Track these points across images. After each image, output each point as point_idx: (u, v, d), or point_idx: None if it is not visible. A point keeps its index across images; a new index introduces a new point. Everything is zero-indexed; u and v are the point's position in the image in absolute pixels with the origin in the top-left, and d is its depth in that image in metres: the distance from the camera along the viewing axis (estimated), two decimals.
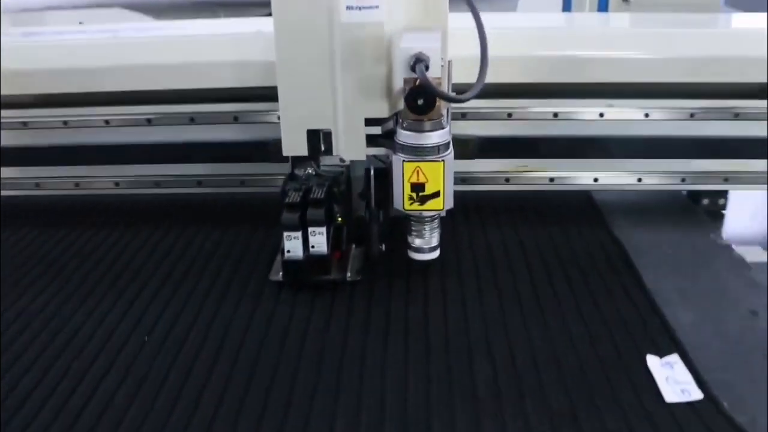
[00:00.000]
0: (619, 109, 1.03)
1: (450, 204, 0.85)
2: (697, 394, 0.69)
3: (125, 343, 0.81)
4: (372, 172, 0.89)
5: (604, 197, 1.12)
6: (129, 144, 1.10)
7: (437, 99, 0.79)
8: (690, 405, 0.68)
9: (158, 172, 1.12)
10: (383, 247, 0.93)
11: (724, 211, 1.12)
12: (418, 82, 0.77)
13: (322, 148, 0.86)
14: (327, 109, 0.85)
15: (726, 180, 1.06)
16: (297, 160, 0.92)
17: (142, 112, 1.07)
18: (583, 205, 1.12)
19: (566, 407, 0.69)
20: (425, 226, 0.88)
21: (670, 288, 0.90)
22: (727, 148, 1.04)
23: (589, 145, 1.04)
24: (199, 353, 0.79)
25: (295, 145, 0.87)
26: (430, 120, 0.81)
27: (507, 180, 1.08)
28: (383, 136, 0.86)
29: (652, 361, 0.75)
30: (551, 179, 1.07)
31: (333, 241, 0.89)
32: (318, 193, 0.87)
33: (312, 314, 0.86)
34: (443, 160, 0.82)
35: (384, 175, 0.88)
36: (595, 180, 1.07)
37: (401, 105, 0.81)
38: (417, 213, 0.86)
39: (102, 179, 1.13)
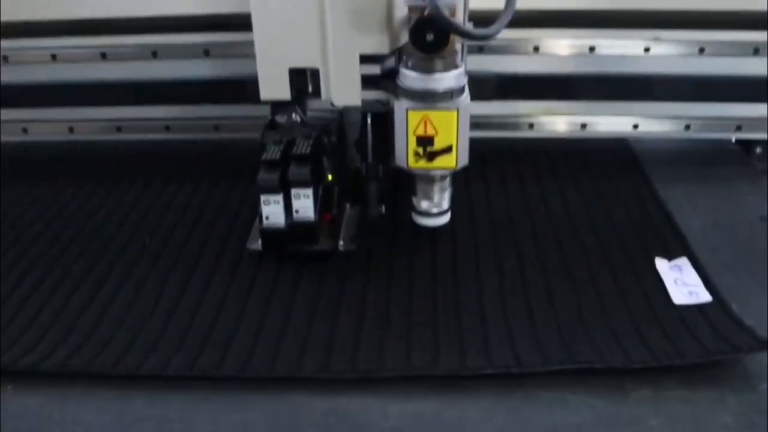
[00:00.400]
0: (668, 44, 0.93)
1: (465, 161, 0.75)
2: (705, 297, 0.71)
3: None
4: (369, 118, 0.77)
5: (644, 147, 1.02)
6: (81, 82, 0.99)
7: (451, 34, 0.68)
8: (698, 307, 0.70)
9: (119, 116, 1.02)
10: (383, 208, 0.83)
11: None
12: (427, 11, 0.66)
13: (309, 90, 0.75)
14: (313, 42, 0.73)
15: None
16: (278, 106, 0.80)
17: (94, 44, 0.97)
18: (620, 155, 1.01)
19: (574, 310, 0.70)
20: (434, 186, 0.78)
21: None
22: None
23: (630, 85, 0.95)
24: (162, 335, 0.69)
25: (275, 87, 0.75)
26: (441, 59, 0.70)
27: (531, 126, 0.99)
28: (382, 77, 0.75)
29: (661, 264, 0.76)
30: (583, 125, 0.98)
31: (322, 203, 0.78)
32: (303, 147, 0.76)
33: (296, 292, 0.75)
34: (457, 109, 0.71)
35: (384, 121, 0.76)
36: (635, 127, 0.98)
37: (405, 39, 0.70)
38: (424, 172, 0.76)
39: (52, 123, 1.03)
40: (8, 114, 1.01)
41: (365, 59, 0.73)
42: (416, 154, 0.73)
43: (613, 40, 0.93)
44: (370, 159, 0.80)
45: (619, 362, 0.63)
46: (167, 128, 1.02)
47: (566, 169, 0.96)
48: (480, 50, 0.93)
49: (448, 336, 0.68)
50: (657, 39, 0.92)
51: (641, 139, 1.02)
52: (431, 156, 0.73)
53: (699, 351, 0.64)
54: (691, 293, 0.71)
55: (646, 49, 0.93)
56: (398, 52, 0.74)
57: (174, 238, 0.84)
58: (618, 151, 1.01)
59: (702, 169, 0.98)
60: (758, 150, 1.01)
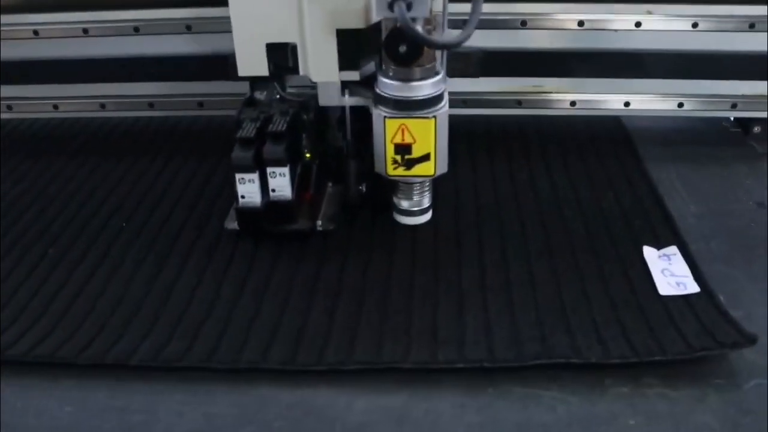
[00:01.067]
0: (661, 18, 0.89)
1: (444, 168, 0.75)
2: (693, 288, 0.68)
3: None
4: (347, 95, 0.76)
5: (637, 125, 1.00)
6: (64, 59, 0.96)
7: None
8: (685, 298, 0.67)
9: (101, 93, 0.99)
10: (363, 188, 0.81)
11: None
12: (398, 23, 0.65)
13: (290, 65, 0.73)
14: (290, 16, 0.71)
15: None
16: (257, 82, 0.78)
17: (76, 20, 0.94)
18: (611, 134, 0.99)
19: (556, 300, 0.68)
20: (414, 187, 0.78)
21: None
22: None
23: (621, 61, 0.91)
24: (131, 321, 0.68)
25: (252, 63, 0.74)
26: (419, 67, 0.70)
27: (519, 103, 0.95)
28: (361, 84, 0.74)
29: (649, 252, 0.74)
30: (573, 103, 0.95)
31: (300, 182, 0.76)
32: (279, 124, 0.73)
33: (272, 273, 0.73)
34: (435, 117, 0.71)
35: None
36: (627, 104, 0.95)
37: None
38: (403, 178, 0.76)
39: (36, 102, 1.00)
40: None
41: (343, 34, 0.71)
42: (394, 161, 0.73)
43: (602, 14, 0.90)
44: (348, 137, 0.78)
45: (596, 357, 0.61)
46: (151, 105, 0.99)
47: (555, 150, 0.94)
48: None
49: (422, 326, 0.65)
50: (649, 13, 0.89)
51: (634, 117, 0.99)
52: (409, 164, 0.73)
53: (682, 346, 0.61)
54: (678, 284, 0.69)
55: (638, 24, 0.89)
56: (378, 59, 0.73)
57: (154, 218, 0.83)
58: (609, 130, 0.99)
59: (698, 149, 0.95)
60: (757, 129, 0.97)
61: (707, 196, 0.84)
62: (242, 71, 0.74)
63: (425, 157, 0.72)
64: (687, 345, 0.61)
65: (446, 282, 0.71)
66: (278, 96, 0.78)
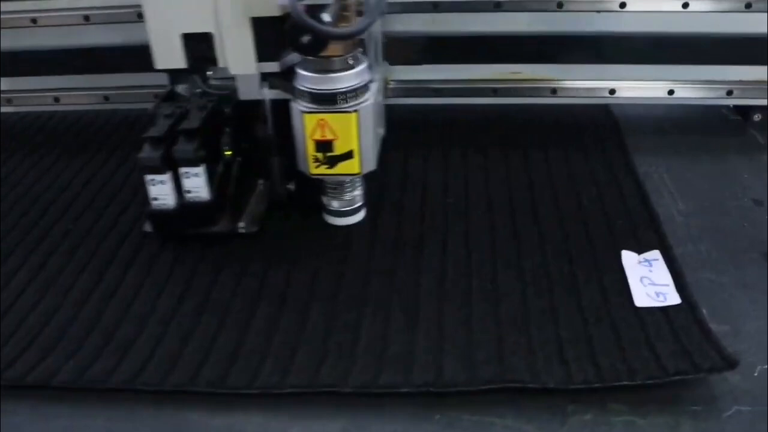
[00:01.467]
0: None
1: (371, 166, 0.72)
2: (674, 299, 0.64)
3: None
4: (266, 88, 0.73)
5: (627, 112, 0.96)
6: (14, 50, 0.94)
7: None
8: (663, 311, 0.63)
9: (56, 85, 0.97)
10: (292, 186, 0.77)
11: None
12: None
13: (209, 56, 0.70)
14: (205, 3, 0.68)
15: None
16: (177, 75, 0.75)
17: (25, 8, 0.91)
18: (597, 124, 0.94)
19: (519, 314, 0.63)
20: (344, 186, 0.74)
21: None
22: None
23: (605, 45, 0.89)
24: (49, 322, 0.65)
25: (169, 55, 0.70)
26: (338, 58, 0.66)
27: (495, 91, 0.92)
28: (280, 76, 0.71)
29: (628, 258, 0.69)
30: (553, 90, 0.91)
31: (220, 181, 0.72)
32: (193, 121, 0.70)
33: (193, 277, 0.70)
34: (356, 111, 0.67)
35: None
36: (612, 92, 0.91)
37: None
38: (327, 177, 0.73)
39: None
40: None
41: (260, 23, 0.68)
42: (316, 159, 0.69)
43: None
44: (270, 132, 0.74)
45: (555, 382, 0.55)
46: (106, 98, 0.97)
47: (535, 141, 0.89)
48: (435, 7, 0.86)
49: (368, 342, 0.60)
50: None
51: (624, 105, 0.96)
52: (332, 161, 0.69)
53: (654, 369, 0.56)
54: (657, 294, 0.64)
55: (622, 5, 0.85)
56: None
57: (84, 219, 0.79)
58: (595, 120, 0.95)
59: (692, 139, 0.91)
60: (757, 117, 0.93)
61: (698, 192, 0.79)
62: (159, 64, 0.71)
63: (348, 155, 0.69)
64: (660, 367, 0.56)
65: (401, 286, 0.67)
66: (199, 90, 0.75)
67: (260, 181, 0.79)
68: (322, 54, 0.66)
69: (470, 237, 0.73)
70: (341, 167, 0.69)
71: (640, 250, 0.69)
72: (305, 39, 0.63)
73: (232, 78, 0.73)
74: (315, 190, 0.76)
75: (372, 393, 0.57)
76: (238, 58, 0.69)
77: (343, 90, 0.66)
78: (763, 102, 0.90)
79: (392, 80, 0.91)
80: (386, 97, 0.88)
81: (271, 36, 0.68)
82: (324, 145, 0.68)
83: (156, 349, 0.61)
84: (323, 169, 0.70)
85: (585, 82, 0.91)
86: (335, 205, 0.75)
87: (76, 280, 0.70)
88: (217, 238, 0.73)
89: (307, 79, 0.67)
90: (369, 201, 0.77)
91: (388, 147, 0.81)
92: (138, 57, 0.80)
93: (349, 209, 0.75)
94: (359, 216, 0.76)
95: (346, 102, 0.67)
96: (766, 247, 0.70)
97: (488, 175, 0.83)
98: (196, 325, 0.64)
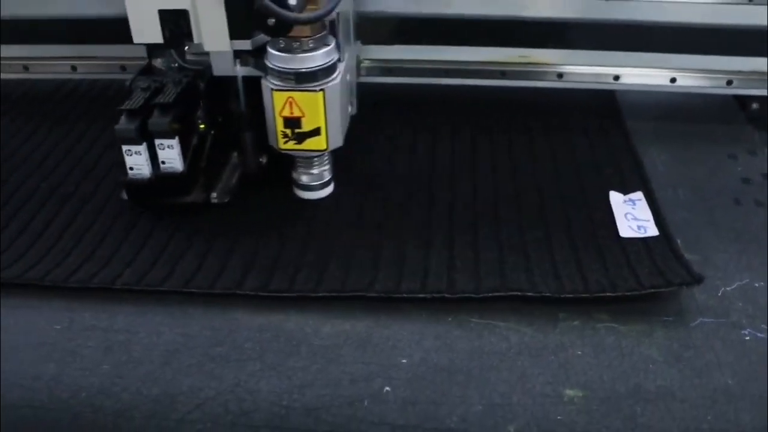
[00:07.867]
0: None
1: (338, 142, 0.73)
2: (653, 231, 0.71)
3: None
4: (238, 64, 0.73)
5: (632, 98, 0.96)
6: None
7: None
8: (643, 240, 0.69)
9: (25, 54, 0.95)
10: (264, 160, 0.78)
11: None
12: None
13: (185, 32, 0.70)
14: None
15: None
16: (155, 49, 0.74)
17: None
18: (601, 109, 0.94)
19: (517, 240, 0.70)
20: (313, 161, 0.75)
21: None
22: None
23: (611, 31, 0.87)
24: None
25: (146, 29, 0.70)
26: (306, 37, 0.67)
27: (503, 74, 0.90)
28: (252, 54, 0.71)
29: (615, 197, 0.76)
30: (559, 75, 0.90)
31: (194, 153, 0.73)
32: (168, 95, 0.70)
33: (169, 243, 0.72)
34: (323, 90, 0.68)
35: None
36: (616, 78, 0.90)
37: None
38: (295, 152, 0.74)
39: None
40: None
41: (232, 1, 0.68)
42: (284, 135, 0.70)
43: None
44: (242, 107, 0.75)
45: (550, 291, 0.63)
46: (74, 68, 0.95)
47: (539, 123, 0.91)
48: None
49: (389, 260, 0.67)
50: None
51: (624, 92, 0.95)
52: (300, 137, 0.70)
53: (632, 284, 0.63)
54: (639, 227, 0.71)
55: None
56: None
57: (65, 185, 0.81)
58: (599, 105, 0.94)
59: (689, 127, 0.91)
60: (754, 106, 0.92)
61: (679, 147, 0.86)
62: (136, 38, 0.71)
63: (315, 131, 0.70)
64: (638, 283, 0.63)
65: (414, 220, 0.73)
66: (176, 64, 0.75)
67: (234, 154, 0.79)
68: (289, 35, 0.67)
69: (476, 182, 0.78)
70: (309, 143, 0.71)
71: (625, 192, 0.76)
72: (271, 21, 0.65)
73: (208, 54, 0.73)
74: (287, 164, 0.77)
75: (393, 298, 0.63)
76: (212, 35, 0.69)
77: (311, 69, 0.67)
78: (762, 92, 0.88)
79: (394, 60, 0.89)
80: (360, 75, 0.88)
81: (243, 15, 0.68)
82: (292, 122, 0.69)
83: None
84: (291, 145, 0.71)
85: (591, 68, 0.89)
86: (305, 179, 0.76)
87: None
88: (188, 208, 0.74)
89: (276, 58, 0.68)
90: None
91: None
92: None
93: (317, 183, 0.76)
94: (327, 190, 0.77)
95: (314, 81, 0.68)
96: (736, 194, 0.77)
97: (493, 145, 0.86)
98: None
